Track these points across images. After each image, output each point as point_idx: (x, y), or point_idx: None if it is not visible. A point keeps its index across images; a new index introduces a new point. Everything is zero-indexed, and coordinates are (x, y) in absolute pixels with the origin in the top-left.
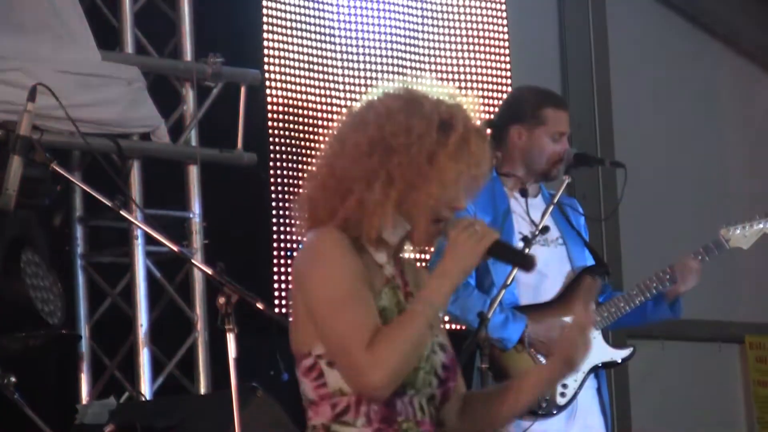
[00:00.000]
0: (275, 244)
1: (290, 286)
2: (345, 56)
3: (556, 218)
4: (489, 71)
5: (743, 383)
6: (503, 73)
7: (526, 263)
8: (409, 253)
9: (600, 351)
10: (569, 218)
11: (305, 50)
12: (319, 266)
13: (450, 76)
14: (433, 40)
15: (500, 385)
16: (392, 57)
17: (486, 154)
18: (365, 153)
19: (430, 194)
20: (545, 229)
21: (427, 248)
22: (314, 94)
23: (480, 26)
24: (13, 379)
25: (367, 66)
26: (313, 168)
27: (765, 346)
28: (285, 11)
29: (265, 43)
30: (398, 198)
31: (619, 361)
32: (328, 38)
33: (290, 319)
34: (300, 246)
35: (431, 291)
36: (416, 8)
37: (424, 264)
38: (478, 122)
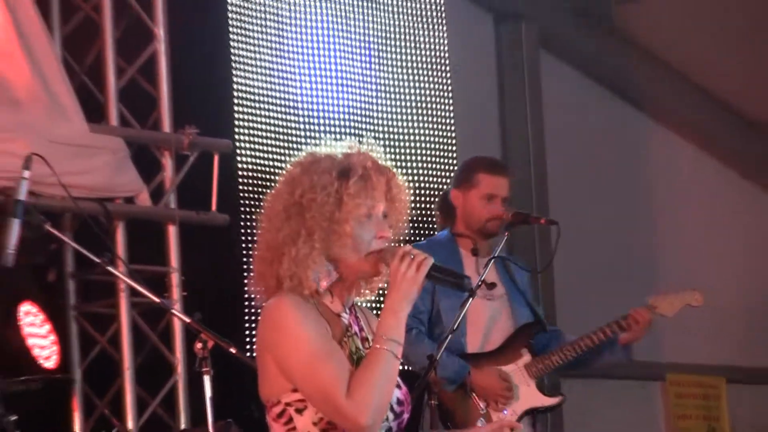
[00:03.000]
0: (246, 296)
1: (256, 350)
2: (307, 127)
3: (502, 276)
4: (436, 140)
5: (665, 417)
6: (449, 141)
7: (463, 284)
8: (365, 298)
9: (533, 398)
10: (514, 276)
11: (272, 122)
12: (285, 332)
13: (401, 144)
14: (386, 113)
15: None
16: (350, 128)
17: (393, 184)
18: (284, 219)
19: (347, 233)
20: (492, 285)
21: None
22: (280, 161)
23: (428, 101)
24: (13, 418)
25: (328, 136)
26: (255, 248)
27: (684, 383)
28: (253, 86)
29: (236, 116)
30: (322, 245)
31: (550, 407)
32: (291, 111)
33: (258, 374)
34: (261, 314)
35: (387, 328)
36: (371, 83)
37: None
38: (380, 161)
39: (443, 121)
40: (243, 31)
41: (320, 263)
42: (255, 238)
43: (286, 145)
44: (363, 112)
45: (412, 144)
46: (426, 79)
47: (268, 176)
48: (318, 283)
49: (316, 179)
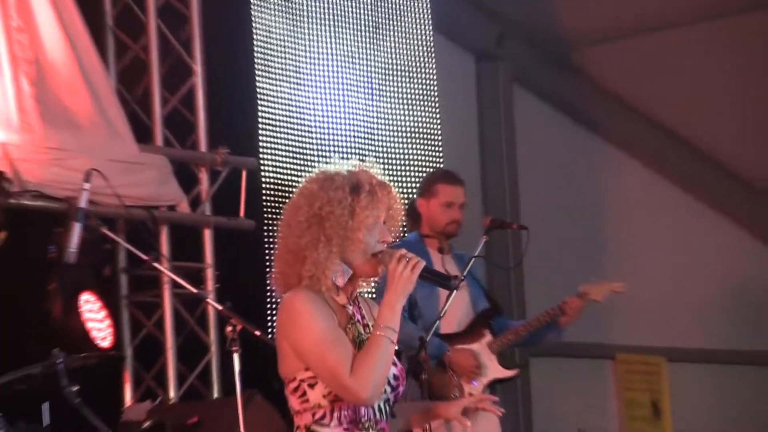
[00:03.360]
0: (267, 288)
1: (275, 335)
2: (319, 147)
3: (462, 270)
4: (425, 160)
5: (615, 390)
6: (436, 160)
7: (449, 284)
8: (363, 288)
9: (495, 370)
10: (470, 270)
11: (290, 143)
12: (299, 322)
13: (396, 163)
14: (385, 136)
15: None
16: (354, 149)
17: (391, 197)
18: (306, 227)
19: (360, 239)
20: (456, 278)
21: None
22: (297, 176)
23: (419, 127)
24: (75, 388)
25: (337, 154)
26: (276, 250)
27: (631, 361)
28: (275, 114)
29: (260, 138)
30: (338, 250)
31: (508, 378)
32: (306, 134)
33: (278, 355)
34: (279, 306)
35: (385, 318)
36: (372, 112)
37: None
38: (381, 178)
39: (432, 144)
40: (266, 68)
41: (336, 264)
42: (275, 241)
43: (301, 162)
44: (365, 136)
45: (406, 163)
46: (418, 109)
47: (286, 189)
48: (335, 281)
49: (332, 194)
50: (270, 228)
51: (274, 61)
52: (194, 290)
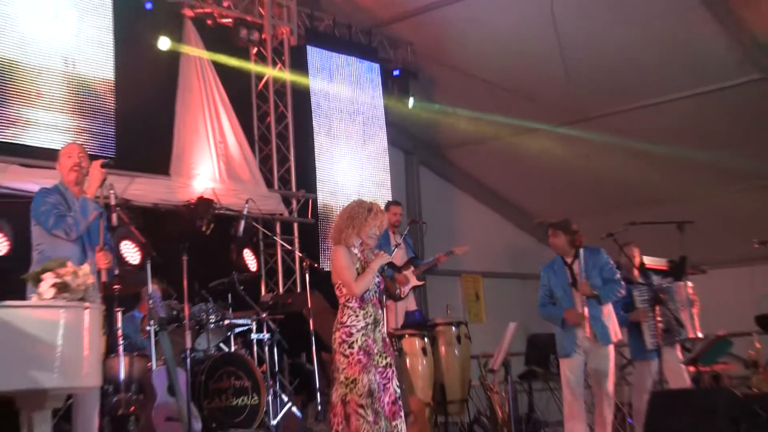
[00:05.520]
0: (321, 250)
1: (329, 265)
2: (340, 195)
3: (405, 240)
4: (383, 203)
5: (462, 293)
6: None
7: (395, 270)
8: (368, 248)
9: (414, 282)
10: (407, 240)
11: (329, 189)
12: (337, 259)
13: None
14: (368, 190)
15: None
16: (355, 192)
17: (384, 218)
18: (346, 218)
19: (366, 231)
20: (399, 245)
21: (371, 246)
22: (332, 205)
23: (382, 189)
24: (241, 287)
25: (352, 196)
26: (333, 225)
27: (468, 278)
28: (324, 177)
29: (317, 187)
30: (357, 232)
31: (420, 286)
32: (335, 186)
33: (331, 273)
34: (330, 252)
35: (371, 267)
36: (361, 180)
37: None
38: (381, 208)
39: (386, 194)
40: (320, 157)
41: (356, 237)
42: (328, 226)
43: (333, 199)
44: (359, 187)
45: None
46: (381, 178)
47: (327, 210)
48: (355, 243)
49: (360, 209)
50: (320, 224)
51: (323, 155)
52: (289, 247)
